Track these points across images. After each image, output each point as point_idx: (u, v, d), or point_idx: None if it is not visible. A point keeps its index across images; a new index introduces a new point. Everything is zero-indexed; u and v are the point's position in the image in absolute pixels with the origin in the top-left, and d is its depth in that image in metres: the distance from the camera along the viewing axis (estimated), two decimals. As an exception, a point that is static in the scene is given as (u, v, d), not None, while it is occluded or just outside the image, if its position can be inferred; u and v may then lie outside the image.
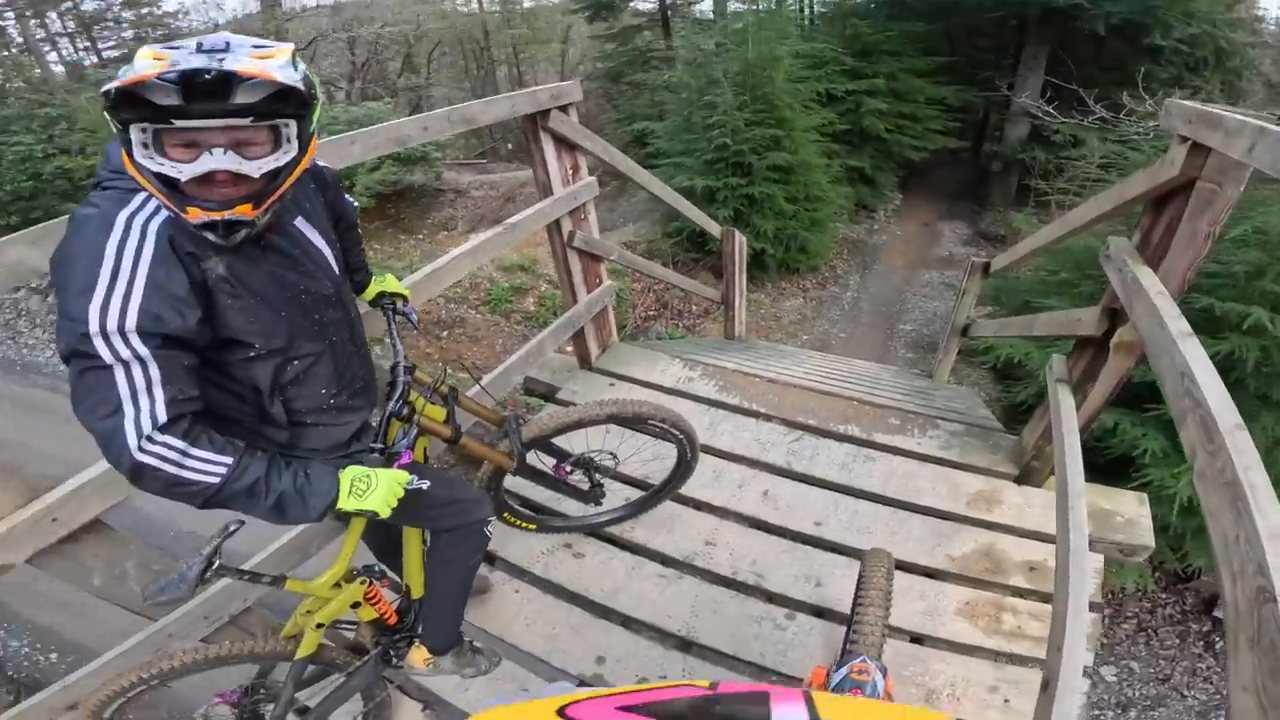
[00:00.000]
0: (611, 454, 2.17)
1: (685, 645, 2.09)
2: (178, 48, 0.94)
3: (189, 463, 1.04)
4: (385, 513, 1.23)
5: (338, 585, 1.55)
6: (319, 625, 1.54)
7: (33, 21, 14.17)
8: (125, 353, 0.98)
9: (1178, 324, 1.49)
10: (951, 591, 2.20)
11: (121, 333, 0.97)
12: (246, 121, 0.96)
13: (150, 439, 1.01)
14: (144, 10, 14.89)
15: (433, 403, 1.63)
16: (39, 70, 12.88)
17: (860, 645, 1.36)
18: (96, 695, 1.45)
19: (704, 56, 9.10)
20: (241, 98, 0.93)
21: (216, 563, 1.25)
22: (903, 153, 10.28)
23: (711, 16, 14.47)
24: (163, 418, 1.01)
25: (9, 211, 8.93)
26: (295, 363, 1.23)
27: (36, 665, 3.46)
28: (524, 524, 2.32)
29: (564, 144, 2.76)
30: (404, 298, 1.71)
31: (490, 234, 2.46)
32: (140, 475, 1.03)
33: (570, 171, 2.83)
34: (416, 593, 1.75)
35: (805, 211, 8.11)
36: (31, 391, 5.60)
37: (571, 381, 3.23)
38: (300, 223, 1.24)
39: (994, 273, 3.96)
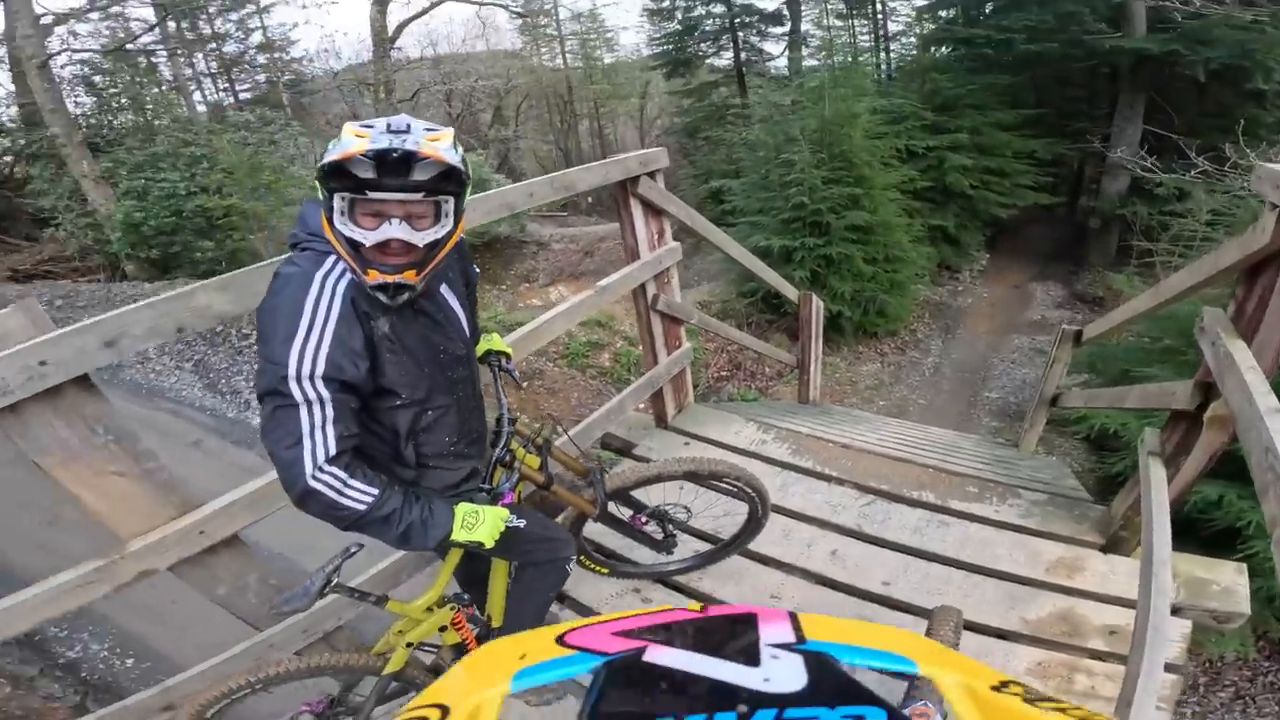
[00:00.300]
0: (685, 508, 2.26)
1: (749, 700, 2.11)
2: (372, 126, 1.13)
3: (347, 491, 1.23)
4: (489, 544, 1.39)
5: (430, 609, 1.71)
6: (409, 645, 1.70)
7: (181, 60, 15.21)
8: (311, 394, 1.17)
9: (1266, 400, 1.48)
10: (1023, 652, 2.15)
11: (310, 378, 1.16)
12: (419, 196, 1.14)
13: (321, 468, 1.20)
14: (276, 55, 16.46)
15: (529, 452, 1.79)
16: (184, 109, 14.06)
17: (922, 692, 1.39)
18: (205, 695, 1.61)
19: (780, 113, 9.15)
20: (418, 175, 1.11)
21: (335, 580, 1.43)
22: (990, 210, 9.89)
23: (786, 73, 14.84)
24: (333, 451, 1.20)
25: (150, 245, 9.63)
26: (429, 413, 1.41)
27: (111, 669, 3.53)
28: (598, 568, 2.43)
29: (651, 209, 2.91)
30: (507, 355, 1.88)
31: (582, 297, 2.64)
32: (308, 498, 1.21)
33: (656, 236, 2.98)
34: (496, 622, 1.88)
35: (885, 273, 7.91)
36: (155, 414, 6.07)
37: (648, 439, 3.33)
38: (444, 290, 1.43)
39: (1087, 341, 3.80)
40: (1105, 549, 2.53)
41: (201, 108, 15.72)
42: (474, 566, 1.90)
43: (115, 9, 12.61)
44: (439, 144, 1.14)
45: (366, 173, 1.09)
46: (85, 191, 10.27)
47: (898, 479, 3.01)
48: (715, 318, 5.47)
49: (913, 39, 14.11)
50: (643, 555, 2.51)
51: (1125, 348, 5.04)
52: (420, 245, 1.18)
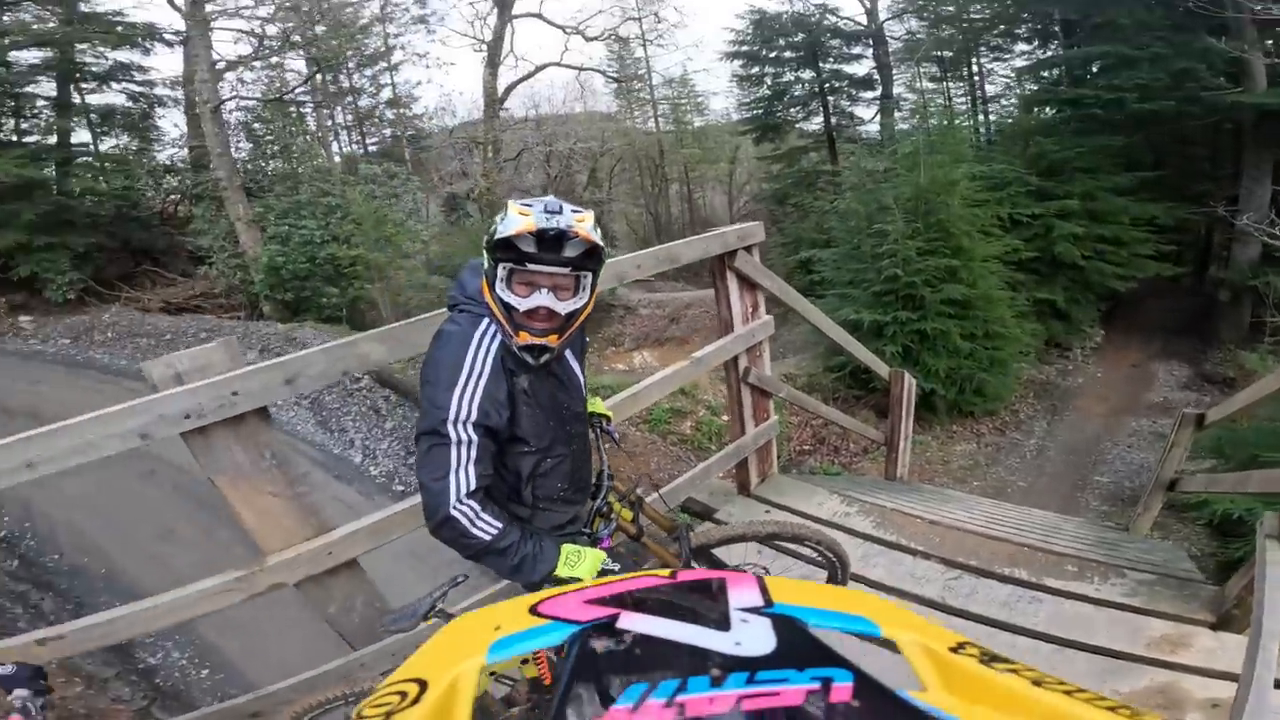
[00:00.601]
0: (765, 568, 2.26)
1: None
2: (531, 206, 1.33)
3: (478, 522, 1.40)
4: (589, 581, 1.51)
5: None
6: (491, 675, 1.78)
7: (324, 112, 16.37)
8: (463, 435, 1.36)
9: None
10: None
11: (465, 422, 1.36)
12: (567, 270, 1.33)
13: (461, 500, 1.37)
14: (401, 110, 18.08)
15: (624, 506, 1.90)
16: (323, 159, 14.81)
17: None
18: (301, 703, 1.75)
19: (872, 180, 8.96)
20: (569, 251, 1.31)
21: (440, 605, 1.56)
22: (1104, 282, 9.23)
23: (879, 138, 14.75)
24: (473, 486, 1.39)
25: (286, 288, 10.49)
26: (548, 460, 1.57)
27: (186, 679, 3.63)
28: None
29: (746, 282, 3.02)
30: (608, 418, 2.03)
31: (678, 367, 2.76)
32: (445, 524, 1.38)
33: (750, 309, 3.08)
34: None
35: (984, 350, 7.49)
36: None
37: (729, 505, 3.36)
38: (569, 355, 1.62)
39: (1210, 424, 3.63)
40: (1215, 627, 2.43)
41: (336, 158, 16.91)
42: None
43: (276, 60, 14.04)
44: (585, 224, 1.33)
45: (529, 247, 1.29)
46: (238, 234, 11.30)
47: (987, 555, 2.91)
48: (801, 390, 5.44)
49: (1013, 101, 13.72)
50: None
51: (1257, 431, 4.78)
52: (562, 314, 1.38)
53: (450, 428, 1.36)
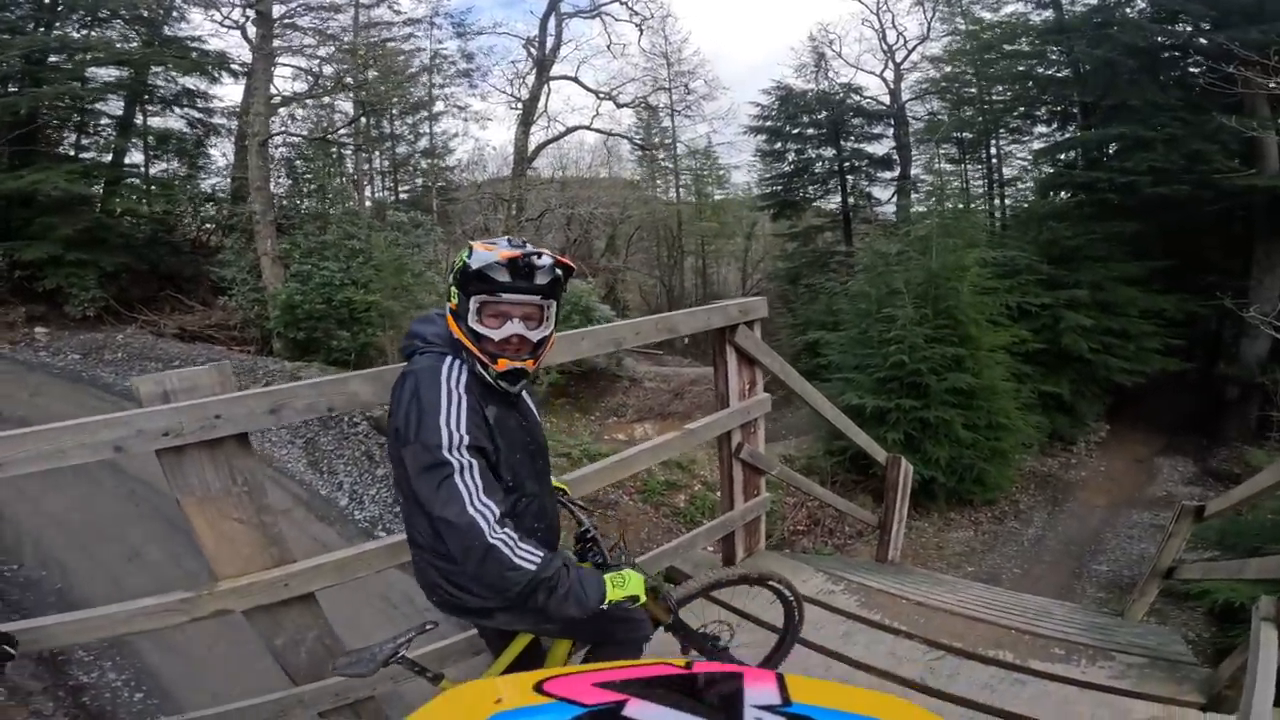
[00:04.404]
0: (729, 625, 2.32)
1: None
2: (495, 243, 1.40)
3: (519, 551, 1.35)
4: (643, 595, 1.53)
5: None
6: None
7: (363, 155, 16.74)
8: (463, 460, 1.34)
9: None
10: None
11: (460, 446, 1.34)
12: (537, 299, 1.40)
13: (494, 529, 1.33)
14: (434, 160, 18.66)
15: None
16: (354, 202, 14.68)
17: None
18: None
19: (885, 263, 8.85)
20: (539, 279, 1.38)
21: (402, 652, 1.49)
22: (1111, 376, 9.13)
23: (894, 218, 15.02)
24: (499, 514, 1.35)
25: (300, 327, 10.46)
26: (523, 500, 1.55)
27: (117, 699, 3.50)
28: None
29: (745, 358, 3.03)
30: (565, 491, 2.02)
31: (669, 436, 2.77)
32: (488, 558, 1.33)
33: (748, 386, 3.08)
34: None
35: (986, 441, 7.39)
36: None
37: (694, 581, 3.27)
38: (525, 394, 1.64)
39: (1209, 516, 3.64)
40: (1206, 708, 2.38)
41: (367, 202, 17.08)
42: (533, 656, 1.94)
43: (327, 100, 14.69)
44: (547, 256, 1.40)
45: (503, 277, 1.36)
46: (262, 268, 11.45)
47: (973, 637, 2.85)
48: (800, 472, 5.39)
49: (1029, 185, 13.79)
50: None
51: (1259, 523, 4.78)
52: (533, 341, 1.44)
53: (447, 454, 1.34)
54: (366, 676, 1.53)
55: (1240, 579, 3.29)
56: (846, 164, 16.09)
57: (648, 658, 1.64)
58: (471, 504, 1.33)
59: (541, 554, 1.37)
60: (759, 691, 0.58)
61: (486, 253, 1.37)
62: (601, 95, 18.52)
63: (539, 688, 0.59)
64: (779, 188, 17.20)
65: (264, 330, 11.39)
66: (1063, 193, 11.76)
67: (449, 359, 1.45)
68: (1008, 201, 14.39)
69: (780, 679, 0.60)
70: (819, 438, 8.17)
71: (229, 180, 14.18)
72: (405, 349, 1.56)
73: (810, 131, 16.34)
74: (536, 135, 18.05)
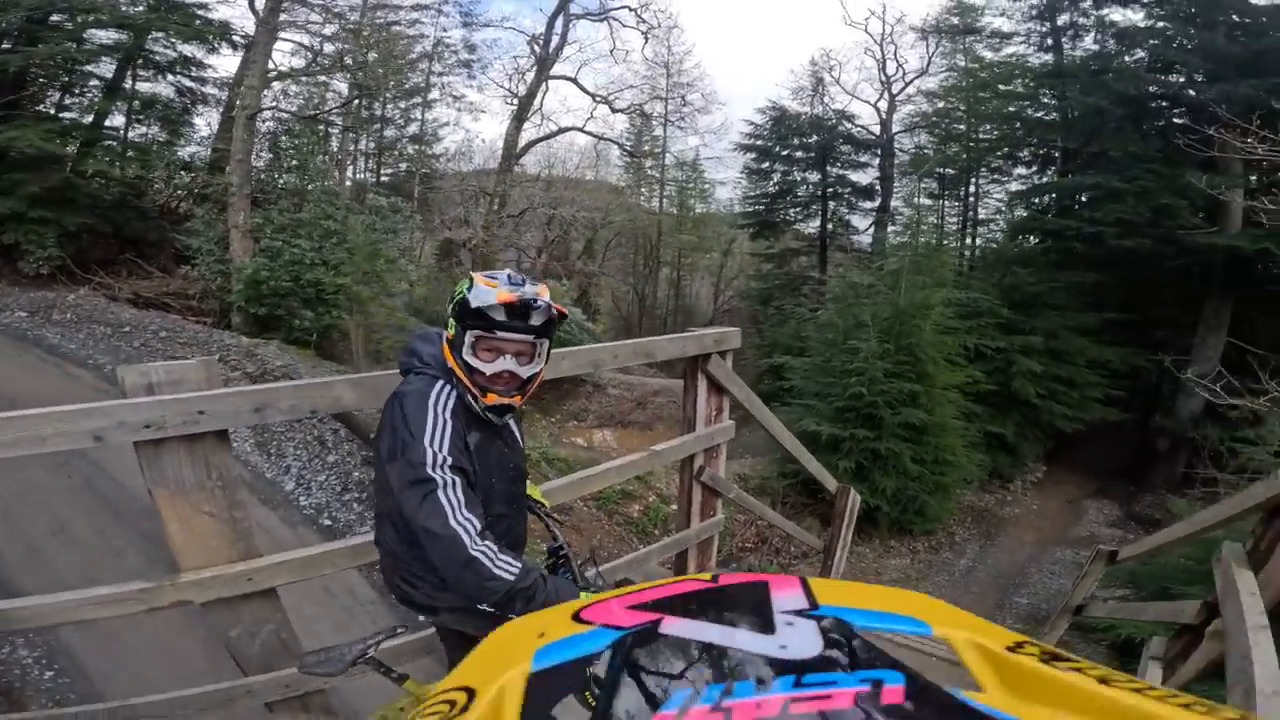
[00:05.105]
0: None
1: None
2: (496, 278, 1.46)
3: (499, 562, 1.42)
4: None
5: None
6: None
7: (350, 136, 16.46)
8: (446, 477, 1.41)
9: (1256, 618, 1.77)
10: None
11: (442, 465, 1.42)
12: (530, 338, 1.46)
13: (475, 541, 1.41)
14: (421, 147, 18.41)
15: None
16: (334, 181, 14.34)
17: None
18: None
19: (855, 295, 9.11)
20: (535, 320, 1.45)
21: (370, 653, 1.54)
22: (1054, 421, 9.56)
23: (870, 249, 15.30)
24: (480, 527, 1.43)
25: (262, 303, 10.19)
26: (493, 520, 1.59)
27: (25, 678, 3.39)
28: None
29: (715, 386, 3.13)
30: (543, 504, 2.08)
31: (636, 457, 2.86)
32: (469, 567, 1.40)
33: (715, 413, 3.19)
34: None
35: (931, 474, 7.70)
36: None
37: None
38: (511, 420, 1.71)
39: (1121, 560, 3.89)
40: None
41: (347, 183, 16.85)
42: None
43: (323, 78, 14.36)
44: (545, 296, 1.47)
45: (500, 316, 1.42)
46: (231, 241, 11.14)
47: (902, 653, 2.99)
48: (753, 493, 5.53)
49: (1001, 226, 14.19)
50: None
51: (1169, 567, 5.11)
52: (523, 377, 1.50)
53: (431, 471, 1.41)
54: (334, 676, 1.56)
55: (1141, 620, 3.58)
56: (830, 190, 16.36)
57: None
58: (454, 518, 1.40)
59: (519, 565, 1.44)
60: (786, 597, 0.58)
61: (487, 290, 1.43)
62: (598, 99, 18.62)
63: (577, 616, 0.61)
64: (761, 207, 17.42)
65: (223, 303, 11.04)
66: (1032, 237, 12.14)
67: (439, 384, 1.52)
68: (979, 241, 14.95)
69: (805, 583, 0.61)
70: (774, 460, 8.37)
71: (209, 150, 13.79)
72: (403, 365, 1.63)
73: (799, 154, 16.65)
74: (528, 132, 18.01)
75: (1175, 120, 9.75)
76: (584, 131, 19.10)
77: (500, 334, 1.44)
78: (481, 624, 1.68)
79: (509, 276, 1.48)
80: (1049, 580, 7.63)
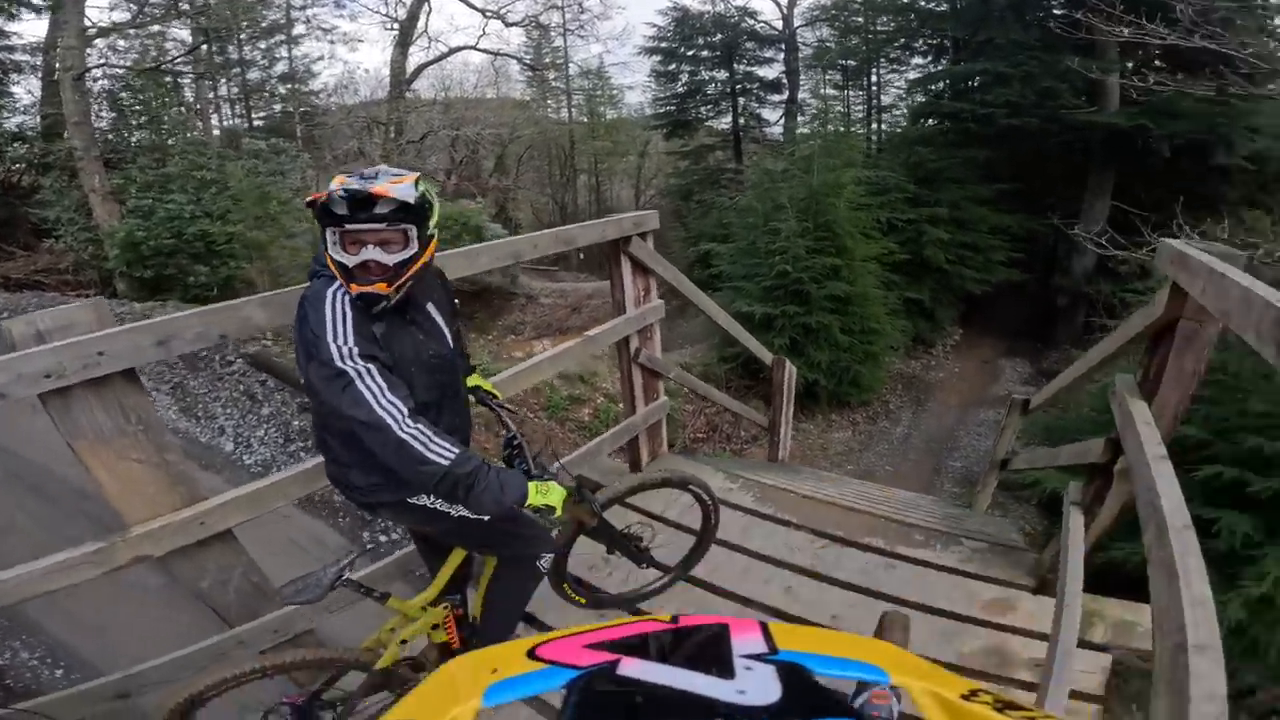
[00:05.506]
0: (650, 527, 2.55)
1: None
2: (348, 175, 1.44)
3: (433, 445, 1.42)
4: (561, 510, 1.58)
5: (425, 608, 1.85)
6: (403, 641, 1.82)
7: (206, 83, 15.32)
8: (359, 367, 1.42)
9: (1154, 449, 1.72)
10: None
11: (350, 356, 1.42)
12: (383, 226, 1.44)
13: (405, 423, 1.41)
14: (295, 86, 16.90)
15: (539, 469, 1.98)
16: (200, 131, 13.53)
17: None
18: (191, 687, 1.66)
19: (771, 180, 9.36)
20: (380, 209, 1.42)
21: (347, 574, 1.57)
22: (964, 285, 10.20)
23: (781, 139, 15.55)
24: (407, 409, 1.42)
25: (146, 265, 9.51)
26: (420, 409, 1.59)
27: (39, 678, 3.50)
28: (577, 597, 2.58)
29: (640, 267, 3.17)
30: (495, 395, 2.12)
31: (570, 344, 2.87)
32: (401, 449, 1.40)
33: (643, 293, 3.24)
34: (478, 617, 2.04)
35: (860, 344, 8.13)
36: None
37: (619, 484, 3.52)
38: (430, 307, 1.71)
39: (1034, 408, 4.11)
40: (1036, 591, 2.73)
41: (216, 131, 15.84)
42: (469, 573, 2.10)
43: (156, 28, 12.90)
44: (398, 185, 1.44)
45: (342, 210, 1.42)
46: (92, 206, 10.29)
47: (851, 526, 3.23)
48: (697, 379, 5.70)
49: (902, 112, 14.89)
50: (613, 584, 2.70)
51: (1077, 418, 5.43)
52: (390, 265, 1.48)
53: (342, 364, 1.41)
54: (316, 602, 1.60)
55: (1057, 466, 3.61)
56: (739, 86, 16.23)
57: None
58: (378, 404, 1.41)
59: (457, 450, 1.44)
60: (746, 641, 0.58)
61: (332, 187, 1.42)
62: (489, 14, 17.31)
63: (532, 653, 0.60)
64: (672, 108, 17.07)
65: (102, 270, 10.26)
66: (931, 120, 12.68)
67: (336, 282, 1.51)
68: (884, 126, 15.36)
69: (764, 627, 0.61)
70: (713, 345, 8.65)
71: (39, 118, 12.43)
72: (310, 273, 1.61)
73: (705, 53, 16.23)
74: (415, 56, 16.68)
75: (1055, 10, 10.23)
76: (478, 50, 17.94)
77: (350, 227, 1.43)
78: (423, 519, 1.74)
79: (361, 173, 1.46)
80: (977, 441, 8.13)
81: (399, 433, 1.40)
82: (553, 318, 10.62)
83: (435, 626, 1.93)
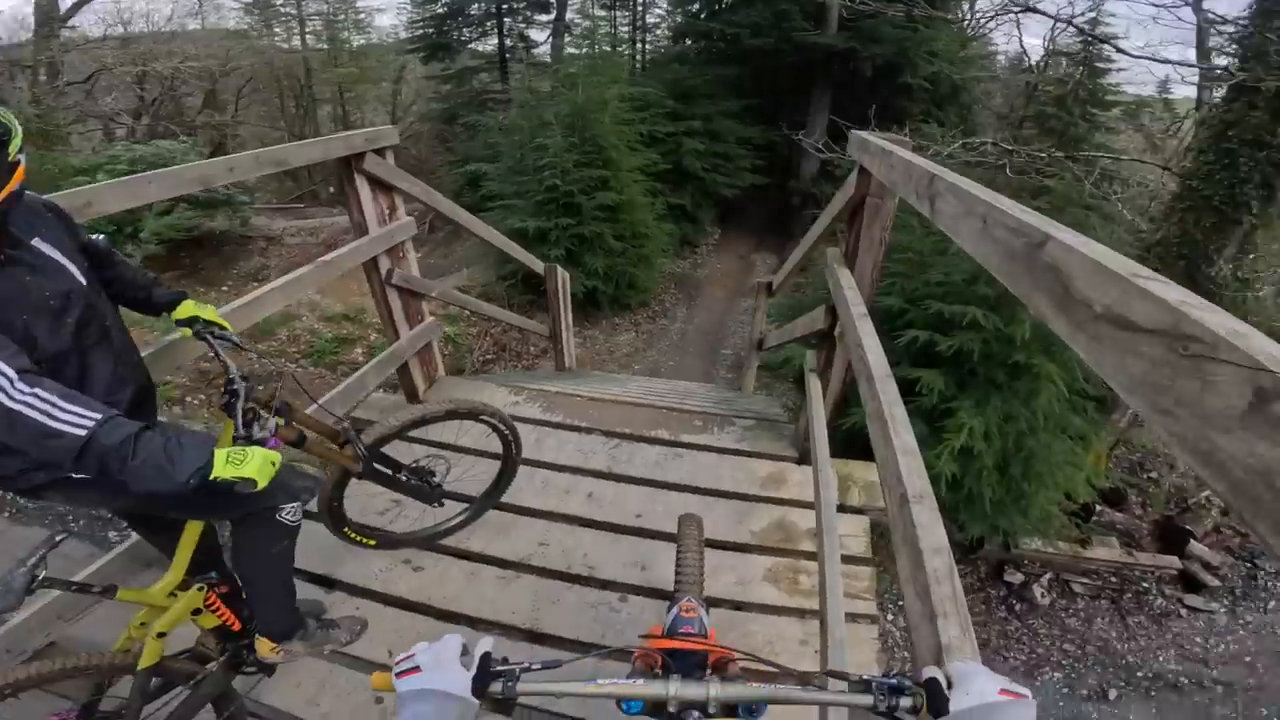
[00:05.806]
0: (444, 459, 2.38)
1: (533, 636, 2.20)
2: None
3: (59, 414, 1.15)
4: (263, 482, 1.32)
5: (174, 594, 1.61)
6: (160, 634, 1.57)
7: None
8: None
9: (858, 308, 1.96)
10: (756, 561, 2.47)
11: None
12: None
13: (17, 388, 1.13)
14: None
15: (268, 412, 1.66)
16: None
17: (684, 588, 1.56)
18: None
19: (538, 99, 9.36)
20: None
21: (42, 574, 1.31)
22: (719, 190, 11.23)
23: (549, 60, 15.07)
24: (13, 370, 1.14)
25: None
26: (45, 365, 1.30)
27: None
28: (364, 540, 2.39)
29: (380, 185, 2.89)
30: (221, 325, 1.79)
31: (303, 271, 2.51)
32: (13, 423, 1.13)
33: (387, 212, 2.96)
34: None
35: (633, 249, 8.54)
36: None
37: (392, 420, 3.30)
38: (38, 242, 1.39)
39: (776, 290, 4.57)
40: (799, 461, 3.01)
41: None
42: (210, 549, 1.83)
43: None
44: None
45: None
46: None
47: (638, 422, 3.36)
48: (479, 299, 5.48)
49: (664, 31, 15.55)
50: (405, 524, 2.54)
51: (814, 297, 6.08)
52: None
53: None
54: (13, 610, 1.36)
55: (798, 339, 3.89)
56: (504, 6, 15.20)
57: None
58: None
59: (98, 415, 1.18)
60: None
61: None
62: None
63: None
64: (431, 30, 15.48)
65: None
66: (688, 40, 13.41)
67: None
68: (647, 46, 15.83)
69: None
70: (491, 265, 8.52)
71: None
72: None
73: (466, -28, 14.75)
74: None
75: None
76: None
77: None
78: (105, 495, 1.48)
79: None
80: (741, 329, 8.91)
81: (6, 403, 1.13)
82: (304, 257, 9.27)
83: (198, 611, 1.68)
